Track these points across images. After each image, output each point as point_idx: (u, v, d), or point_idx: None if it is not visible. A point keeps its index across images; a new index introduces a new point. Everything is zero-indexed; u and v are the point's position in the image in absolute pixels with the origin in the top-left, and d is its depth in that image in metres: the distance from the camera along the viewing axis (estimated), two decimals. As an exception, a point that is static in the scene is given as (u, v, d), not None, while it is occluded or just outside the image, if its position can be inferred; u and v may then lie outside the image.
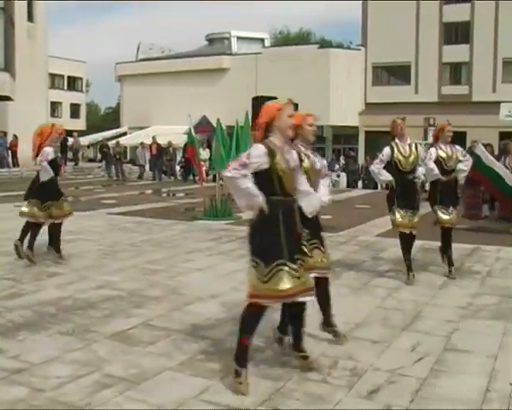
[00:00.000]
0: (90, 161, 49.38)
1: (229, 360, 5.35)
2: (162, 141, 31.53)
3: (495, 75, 41.21)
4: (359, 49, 45.65)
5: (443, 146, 9.01)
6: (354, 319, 6.67)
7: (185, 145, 28.14)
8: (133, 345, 5.78)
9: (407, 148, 8.72)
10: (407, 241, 8.78)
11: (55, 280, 8.27)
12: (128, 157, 40.87)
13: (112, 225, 13.64)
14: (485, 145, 18.18)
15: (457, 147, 9.21)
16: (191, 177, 28.82)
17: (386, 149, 8.78)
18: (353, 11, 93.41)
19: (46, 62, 38.70)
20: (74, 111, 71.05)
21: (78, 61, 70.84)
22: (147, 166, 32.69)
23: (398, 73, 44.70)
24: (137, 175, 32.24)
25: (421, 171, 8.78)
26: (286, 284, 4.75)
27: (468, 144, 15.30)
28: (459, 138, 30.31)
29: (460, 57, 42.00)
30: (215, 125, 16.61)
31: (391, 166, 8.79)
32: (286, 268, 4.77)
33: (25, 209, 9.47)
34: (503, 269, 9.58)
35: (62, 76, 68.74)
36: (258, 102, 18.08)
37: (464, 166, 9.08)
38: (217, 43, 55.69)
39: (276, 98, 18.31)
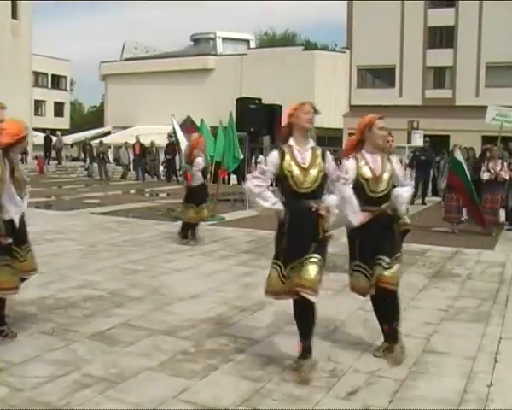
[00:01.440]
0: (74, 160, 49.14)
1: (209, 361, 5.38)
2: (146, 141, 31.43)
3: (478, 79, 41.48)
4: (344, 52, 45.78)
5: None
6: (334, 321, 6.70)
7: (168, 145, 28.16)
8: (113, 345, 5.77)
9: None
10: None
11: (35, 279, 8.19)
12: (112, 157, 40.70)
13: (94, 225, 13.59)
14: (468, 149, 18.34)
15: None
16: (174, 177, 28.78)
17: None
18: (338, 14, 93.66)
19: (30, 60, 38.49)
20: (58, 110, 70.66)
21: (63, 59, 70.45)
22: (130, 166, 32.58)
23: (382, 76, 44.88)
24: (121, 175, 32.13)
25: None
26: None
27: (451, 148, 15.39)
28: (442, 142, 30.48)
29: (444, 61, 42.23)
30: (199, 125, 16.59)
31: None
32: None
33: None
34: (483, 272, 9.65)
35: (46, 74, 68.34)
36: (243, 103, 18.17)
37: None
38: (202, 43, 55.67)
39: (260, 100, 18.23)
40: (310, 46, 57.26)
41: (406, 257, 10.41)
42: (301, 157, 5.11)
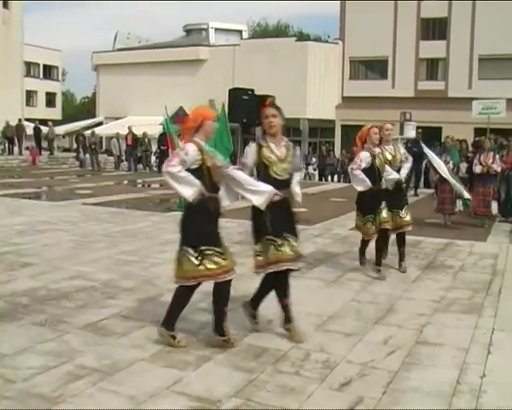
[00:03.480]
0: (66, 150, 48.92)
1: (202, 352, 5.37)
2: (138, 131, 31.33)
3: (471, 72, 41.51)
4: (337, 43, 45.71)
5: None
6: (327, 311, 6.70)
7: (160, 136, 28.07)
8: (106, 336, 5.76)
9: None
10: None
11: (27, 270, 8.19)
12: (104, 147, 40.57)
13: (86, 216, 13.55)
14: (461, 141, 18.37)
15: None
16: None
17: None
18: (331, 5, 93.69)
19: (21, 50, 38.31)
20: (50, 100, 70.36)
21: (55, 49, 70.10)
22: (123, 157, 32.48)
23: (375, 68, 44.86)
24: (113, 165, 32.05)
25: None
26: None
27: (443, 140, 15.40)
28: (435, 134, 30.51)
29: (437, 53, 42.22)
30: (191, 116, 16.52)
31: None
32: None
33: None
34: (475, 264, 9.68)
35: (38, 64, 68.00)
36: (235, 94, 18.14)
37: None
38: (194, 33, 55.49)
39: (252, 90, 18.14)
40: (302, 37, 57.13)
41: (397, 249, 10.47)
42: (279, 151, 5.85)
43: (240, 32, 56.08)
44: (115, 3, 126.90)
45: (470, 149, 18.95)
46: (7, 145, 37.67)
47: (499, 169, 13.98)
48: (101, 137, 40.44)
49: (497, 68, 39.39)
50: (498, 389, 4.85)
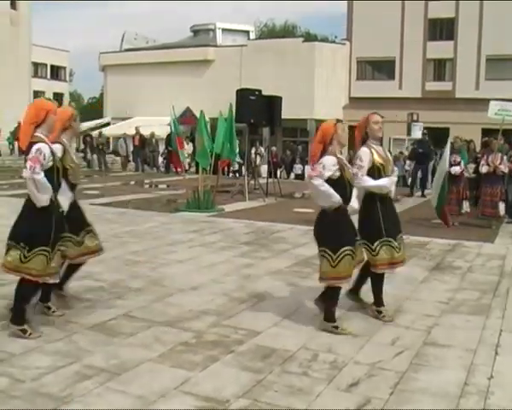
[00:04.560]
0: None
1: (210, 352, 5.38)
2: (145, 132, 31.38)
3: (478, 72, 41.40)
4: (344, 44, 45.67)
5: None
6: (335, 312, 6.68)
7: (168, 136, 28.10)
8: (114, 336, 5.77)
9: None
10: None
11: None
12: (111, 148, 40.64)
13: (94, 216, 13.47)
14: (468, 142, 18.33)
15: None
16: (173, 169, 28.75)
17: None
18: (339, 5, 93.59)
19: (29, 51, 38.40)
20: (57, 100, 69.88)
21: (62, 50, 70.24)
22: (130, 157, 32.53)
23: (382, 68, 44.79)
24: (120, 166, 32.11)
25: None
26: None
27: (452, 140, 15.35)
28: (442, 134, 30.47)
29: (444, 54, 42.14)
30: (199, 116, 16.54)
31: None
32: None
33: None
34: (483, 265, 9.65)
35: (45, 65, 68.08)
36: (243, 95, 18.14)
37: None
38: (202, 34, 55.47)
39: (260, 91, 18.17)
40: (310, 38, 57.08)
41: (406, 250, 10.46)
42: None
43: (247, 32, 56.02)
44: (122, 4, 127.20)
45: (478, 149, 18.90)
46: (16, 146, 37.74)
47: (507, 170, 13.95)
48: (109, 138, 40.50)
49: (505, 69, 39.30)
50: (506, 390, 4.84)
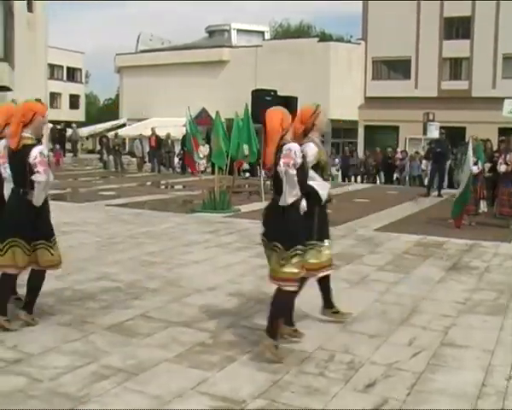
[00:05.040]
0: (90, 152, 49.28)
1: (226, 352, 5.38)
2: (161, 133, 31.46)
3: (495, 71, 41.12)
4: (359, 43, 45.53)
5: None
6: (352, 312, 6.67)
7: (184, 137, 28.15)
8: (131, 336, 5.80)
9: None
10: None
11: (53, 271, 8.24)
12: (127, 149, 40.79)
13: (110, 217, 13.63)
14: (485, 141, 18.22)
15: None
16: (189, 169, 28.79)
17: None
18: (354, 5, 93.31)
19: (45, 53, 38.54)
20: (73, 102, 70.84)
21: (78, 51, 70.64)
22: (146, 158, 32.65)
23: (397, 68, 44.59)
24: (136, 167, 32.22)
25: None
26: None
27: (467, 140, 15.27)
28: (458, 134, 30.28)
29: (460, 52, 41.89)
30: (214, 117, 16.56)
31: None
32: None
33: None
34: (500, 265, 9.59)
35: (62, 67, 68.49)
36: (258, 95, 18.14)
37: None
38: (217, 35, 55.55)
39: (275, 91, 18.15)
40: (325, 38, 57.01)
41: (422, 249, 10.44)
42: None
43: (262, 33, 55.99)
44: (138, 6, 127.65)
45: (495, 148, 18.78)
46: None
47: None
48: (125, 139, 40.65)
49: (522, 67, 39.03)
50: (525, 391, 4.81)
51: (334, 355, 5.42)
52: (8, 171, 5.97)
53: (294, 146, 5.27)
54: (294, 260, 5.22)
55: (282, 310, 5.46)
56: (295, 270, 5.24)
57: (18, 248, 5.82)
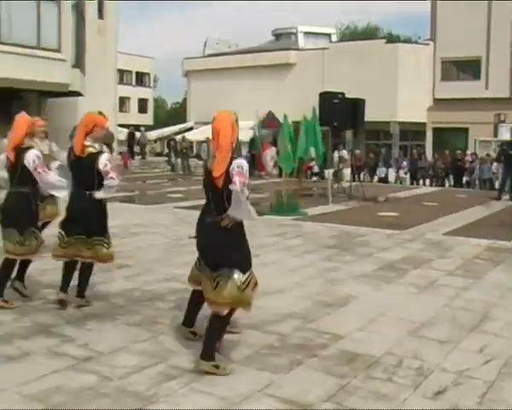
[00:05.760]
0: (157, 155, 50.02)
1: (294, 355, 5.37)
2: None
3: None
4: (428, 44, 44.81)
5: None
6: (420, 318, 6.57)
7: (251, 140, 28.28)
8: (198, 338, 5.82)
9: None
10: None
11: (122, 272, 8.39)
12: (194, 152, 41.23)
13: (178, 219, 13.79)
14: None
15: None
16: (257, 172, 28.88)
17: None
18: (422, 5, 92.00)
19: (115, 58, 39.34)
20: (142, 106, 72.15)
21: (147, 56, 71.88)
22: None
23: (467, 68, 43.69)
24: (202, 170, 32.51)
25: None
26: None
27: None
28: (531, 136, 29.42)
29: (533, 52, 40.83)
30: (282, 120, 16.59)
31: None
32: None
33: None
34: None
35: (131, 72, 69.85)
36: (326, 98, 18.07)
37: None
38: (283, 38, 55.59)
39: (343, 94, 18.01)
40: (392, 39, 56.34)
41: (494, 254, 10.19)
42: None
43: (328, 35, 55.77)
44: (204, 9, 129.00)
45: None
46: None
47: None
48: (192, 142, 41.09)
49: None
50: None
51: (402, 361, 5.34)
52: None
53: (245, 163, 5.09)
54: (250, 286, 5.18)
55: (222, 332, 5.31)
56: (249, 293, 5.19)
57: (80, 242, 6.54)
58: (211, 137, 5.38)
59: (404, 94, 41.72)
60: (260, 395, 4.61)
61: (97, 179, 6.37)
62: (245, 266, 5.20)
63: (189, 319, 5.83)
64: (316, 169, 27.48)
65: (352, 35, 70.80)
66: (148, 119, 69.24)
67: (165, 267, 8.79)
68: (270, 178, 17.06)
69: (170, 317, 6.46)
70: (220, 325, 5.17)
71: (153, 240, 11.06)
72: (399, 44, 46.64)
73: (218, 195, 5.14)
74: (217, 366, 4.97)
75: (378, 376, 5.02)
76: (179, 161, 31.85)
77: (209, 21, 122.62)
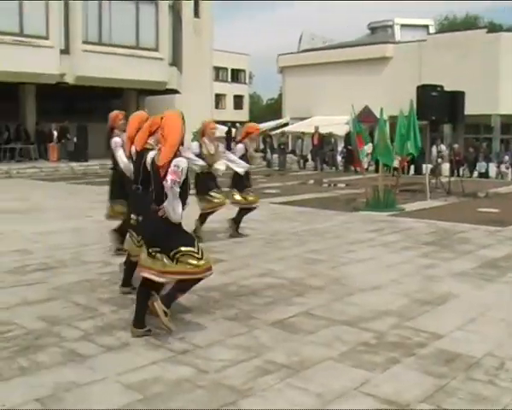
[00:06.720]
0: (253, 150, 50.35)
1: (390, 353, 5.28)
2: (324, 131, 31.55)
3: None
4: (532, 33, 43.17)
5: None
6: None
7: (347, 135, 28.06)
8: (294, 333, 5.82)
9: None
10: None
11: (219, 266, 8.45)
12: (290, 147, 41.31)
13: (274, 215, 13.83)
14: None
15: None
16: (352, 167, 28.63)
17: None
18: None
19: (211, 56, 39.93)
20: (237, 102, 72.97)
21: (242, 53, 72.53)
22: (308, 156, 32.91)
23: None
24: (299, 165, 32.53)
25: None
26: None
27: None
28: None
29: None
30: (378, 115, 16.36)
31: None
32: None
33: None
34: None
35: (226, 69, 70.75)
36: (424, 91, 17.68)
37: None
38: (379, 31, 54.86)
39: (442, 87, 17.60)
40: (494, 28, 54.48)
41: None
42: None
43: (426, 27, 54.57)
44: (299, 5, 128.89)
45: None
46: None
47: None
48: (288, 138, 41.16)
49: None
50: None
51: (504, 363, 5.14)
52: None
53: (183, 163, 5.42)
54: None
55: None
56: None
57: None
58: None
59: (506, 85, 40.28)
60: (356, 392, 4.54)
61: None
62: (190, 241, 5.75)
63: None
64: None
65: (451, 26, 69.03)
66: (243, 115, 69.87)
67: (261, 262, 8.84)
68: (366, 173, 16.85)
69: (265, 312, 6.48)
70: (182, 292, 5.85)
71: (249, 235, 11.12)
72: (502, 34, 44.97)
73: (158, 185, 5.52)
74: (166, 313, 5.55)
75: (479, 378, 4.84)
76: (275, 156, 31.99)
77: (304, 17, 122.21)
